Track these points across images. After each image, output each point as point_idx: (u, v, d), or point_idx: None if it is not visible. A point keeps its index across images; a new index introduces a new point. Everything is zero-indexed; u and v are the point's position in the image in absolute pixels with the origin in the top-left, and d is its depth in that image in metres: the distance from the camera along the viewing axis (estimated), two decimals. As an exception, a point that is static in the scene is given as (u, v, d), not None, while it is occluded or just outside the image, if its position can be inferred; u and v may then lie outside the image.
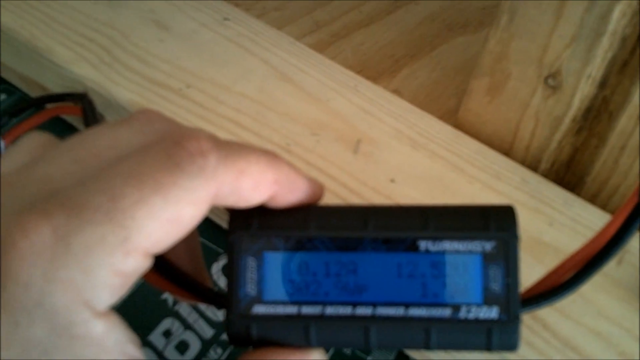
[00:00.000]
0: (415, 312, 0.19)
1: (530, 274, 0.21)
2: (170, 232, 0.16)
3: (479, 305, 0.19)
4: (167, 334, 0.28)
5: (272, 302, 0.20)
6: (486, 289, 0.19)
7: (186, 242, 0.21)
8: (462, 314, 0.19)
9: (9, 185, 0.16)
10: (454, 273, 0.19)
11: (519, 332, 0.19)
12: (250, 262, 0.20)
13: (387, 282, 0.20)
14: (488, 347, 0.19)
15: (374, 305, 0.19)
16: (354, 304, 0.19)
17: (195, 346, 0.28)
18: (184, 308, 0.29)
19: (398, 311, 0.19)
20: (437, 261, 0.19)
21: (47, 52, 0.33)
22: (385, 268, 0.20)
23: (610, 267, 0.27)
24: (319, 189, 0.21)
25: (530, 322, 0.24)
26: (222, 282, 0.30)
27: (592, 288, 0.26)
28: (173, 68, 0.33)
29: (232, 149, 0.18)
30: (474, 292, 0.19)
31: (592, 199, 0.30)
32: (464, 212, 0.20)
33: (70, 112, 0.31)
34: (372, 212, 0.20)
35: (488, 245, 0.19)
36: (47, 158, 0.17)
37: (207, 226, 0.33)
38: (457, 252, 0.19)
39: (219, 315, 0.29)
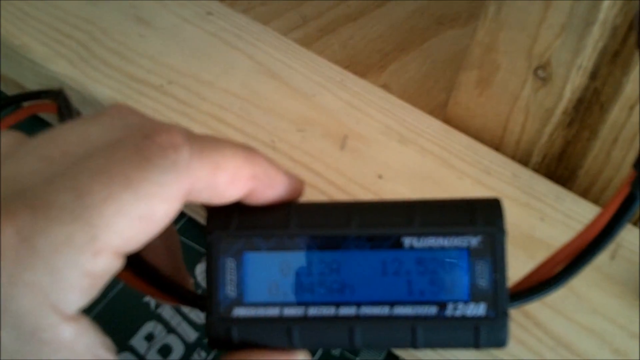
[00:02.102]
0: (401, 310, 0.19)
1: (521, 270, 0.20)
2: (142, 230, 0.16)
3: (465, 302, 0.18)
4: (149, 337, 0.27)
5: (253, 304, 0.19)
6: (473, 285, 0.18)
7: (164, 241, 0.20)
8: (449, 311, 0.18)
9: None
10: (440, 270, 0.19)
11: (508, 328, 0.18)
12: (230, 263, 0.19)
13: (371, 280, 0.19)
14: (476, 345, 0.18)
15: (358, 304, 0.19)
16: (338, 304, 0.19)
17: (178, 350, 0.27)
18: (167, 311, 0.28)
19: (383, 310, 0.19)
20: (423, 258, 0.19)
21: (23, 49, 0.32)
22: (369, 266, 0.19)
23: (604, 262, 0.26)
24: (299, 184, 0.20)
25: (522, 319, 0.24)
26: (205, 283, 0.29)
27: (585, 284, 0.25)
28: (154, 64, 0.32)
29: (206, 142, 0.17)
30: (461, 289, 0.18)
31: (584, 193, 0.30)
32: (449, 206, 0.19)
33: (47, 109, 0.30)
34: (355, 208, 0.19)
35: (474, 241, 0.18)
36: (15, 156, 0.16)
37: (190, 226, 0.32)
38: (443, 248, 0.18)
39: (202, 317, 0.28)
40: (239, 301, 0.19)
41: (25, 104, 0.31)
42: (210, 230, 0.19)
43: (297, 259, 0.19)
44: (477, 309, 0.18)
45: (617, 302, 0.25)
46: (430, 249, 0.19)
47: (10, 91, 0.37)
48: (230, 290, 0.19)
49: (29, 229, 0.14)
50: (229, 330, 0.19)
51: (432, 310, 0.18)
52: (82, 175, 0.15)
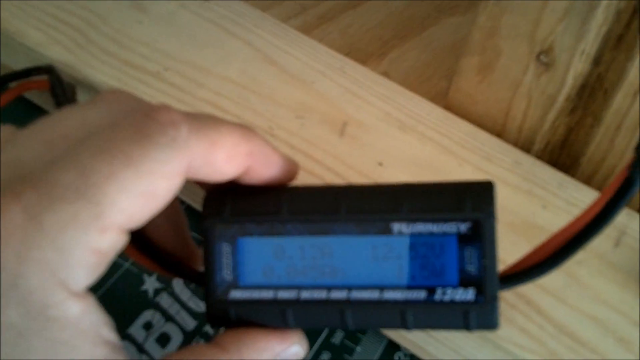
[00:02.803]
0: (390, 295, 0.19)
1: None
2: (145, 206, 0.16)
3: (454, 287, 0.18)
4: (147, 326, 0.27)
5: (249, 287, 0.19)
6: (462, 271, 0.18)
7: (169, 217, 0.20)
8: (438, 296, 0.18)
9: None
10: (429, 255, 0.19)
11: (497, 312, 0.18)
12: (225, 248, 0.20)
13: (361, 265, 0.19)
14: (466, 327, 0.19)
15: (349, 288, 0.19)
16: (329, 288, 0.19)
17: (177, 338, 0.27)
18: (165, 299, 0.28)
19: (373, 294, 0.19)
20: (411, 243, 0.19)
21: (18, 35, 0.32)
22: (359, 251, 0.19)
23: (607, 249, 0.26)
24: (293, 166, 0.20)
25: (523, 307, 0.23)
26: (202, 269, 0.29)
27: (588, 272, 0.25)
28: (151, 50, 0.31)
29: (204, 120, 0.17)
30: (450, 274, 0.18)
31: (587, 180, 0.29)
32: (439, 191, 0.19)
33: (38, 86, 0.30)
34: (344, 193, 0.19)
35: (463, 227, 0.18)
36: (16, 142, 0.17)
37: (189, 214, 0.31)
38: (432, 234, 0.18)
39: (201, 306, 0.28)
40: (235, 284, 0.20)
41: (12, 84, 0.31)
42: (205, 216, 0.20)
43: (288, 243, 0.19)
44: (466, 294, 0.18)
45: (621, 290, 0.24)
46: (419, 234, 0.19)
47: (5, 79, 0.36)
48: (226, 273, 0.20)
49: (35, 207, 0.15)
50: (226, 312, 0.19)
51: (421, 294, 0.19)
52: (84, 154, 0.15)
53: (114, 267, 0.29)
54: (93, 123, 0.17)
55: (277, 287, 0.19)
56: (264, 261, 0.20)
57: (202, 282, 0.20)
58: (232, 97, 0.30)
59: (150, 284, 0.28)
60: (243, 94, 0.30)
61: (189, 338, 0.27)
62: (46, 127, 0.17)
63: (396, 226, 0.19)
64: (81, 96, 0.30)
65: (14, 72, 0.30)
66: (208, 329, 0.27)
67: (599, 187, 0.28)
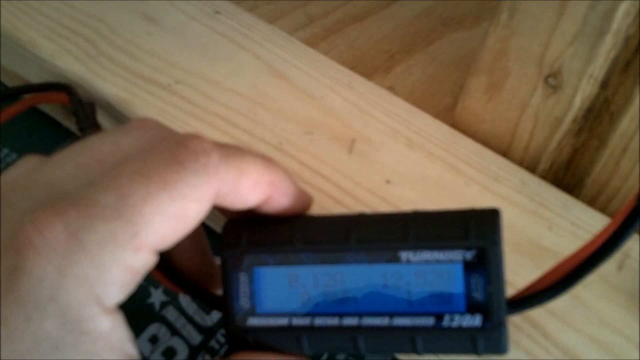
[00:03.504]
0: (400, 321, 0.19)
1: (528, 279, 0.20)
2: (176, 228, 0.17)
3: (462, 313, 0.19)
4: (153, 339, 0.27)
5: (265, 315, 0.20)
6: (469, 297, 0.19)
7: (192, 237, 0.21)
8: (446, 322, 0.19)
9: (17, 188, 0.17)
10: (436, 282, 0.19)
11: (505, 338, 0.19)
12: (242, 277, 0.20)
13: (371, 292, 0.20)
14: (475, 352, 0.19)
15: (360, 315, 0.20)
16: (341, 315, 0.20)
17: (182, 353, 0.27)
18: (172, 313, 0.28)
19: (383, 321, 0.19)
20: (419, 271, 0.19)
21: (30, 44, 0.32)
22: (369, 279, 0.20)
23: (611, 272, 0.26)
24: (308, 198, 0.21)
25: (530, 330, 0.24)
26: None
27: (593, 295, 0.25)
28: (162, 63, 0.32)
29: (231, 149, 0.18)
30: (457, 301, 0.19)
31: (592, 202, 0.29)
32: (444, 219, 0.19)
33: (56, 100, 0.30)
34: (354, 223, 0.20)
35: (468, 254, 0.19)
36: (51, 163, 0.18)
37: (208, 235, 0.32)
38: (438, 261, 0.19)
39: (207, 320, 0.28)
40: (252, 311, 0.21)
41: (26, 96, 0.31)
42: (223, 246, 0.21)
43: (302, 272, 0.20)
44: (473, 320, 0.19)
45: (624, 313, 0.25)
46: (427, 262, 0.19)
47: (13, 85, 0.36)
48: (244, 301, 0.21)
49: (76, 225, 0.15)
50: (245, 337, 0.20)
51: (429, 321, 0.19)
52: (121, 177, 0.16)
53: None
54: (126, 149, 0.18)
55: (292, 314, 0.20)
56: (280, 289, 0.20)
57: (221, 308, 0.21)
58: (242, 112, 0.30)
59: (157, 296, 0.29)
60: (253, 108, 0.30)
61: (194, 353, 0.27)
62: (80, 151, 0.18)
63: (404, 254, 0.19)
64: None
65: (31, 85, 0.31)
66: (214, 343, 0.27)
67: (603, 209, 0.29)
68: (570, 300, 0.25)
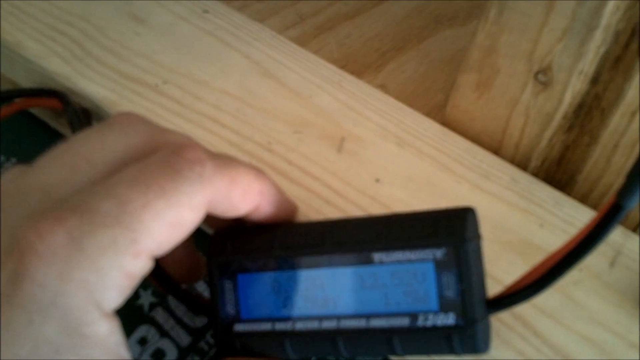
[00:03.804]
0: (376, 322, 0.19)
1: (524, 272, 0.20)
2: (173, 235, 0.17)
3: (435, 312, 0.19)
4: (142, 341, 0.27)
5: (250, 320, 0.21)
6: (441, 296, 0.19)
7: (184, 246, 0.22)
8: (420, 322, 0.19)
9: (9, 194, 0.17)
10: (410, 282, 0.19)
11: (480, 336, 0.19)
12: (227, 284, 0.21)
13: (348, 295, 0.20)
14: (452, 352, 0.19)
15: (338, 318, 0.20)
16: (320, 318, 0.20)
17: (171, 354, 0.27)
18: (161, 314, 0.28)
19: (360, 323, 0.20)
20: (392, 271, 0.19)
21: (16, 46, 0.32)
22: (345, 282, 0.20)
23: (603, 270, 0.26)
24: (294, 206, 0.22)
25: (520, 329, 0.23)
26: (199, 286, 0.29)
27: (584, 293, 0.25)
28: (149, 63, 0.31)
29: (224, 159, 0.19)
30: (430, 300, 0.19)
31: (584, 198, 0.29)
32: (416, 219, 0.20)
33: (47, 104, 0.30)
34: (329, 228, 0.21)
35: (439, 253, 0.19)
36: (40, 167, 0.18)
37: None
38: (410, 261, 0.19)
39: (196, 322, 0.28)
40: (238, 318, 0.21)
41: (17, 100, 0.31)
42: (210, 256, 0.22)
43: (282, 278, 0.21)
44: (447, 319, 0.19)
45: (617, 310, 0.24)
46: (400, 262, 0.19)
47: (3, 87, 0.36)
48: (229, 308, 0.21)
49: (78, 232, 0.16)
50: (233, 343, 0.21)
51: (405, 321, 0.19)
52: (120, 185, 0.17)
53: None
54: (111, 146, 0.18)
55: (274, 319, 0.20)
56: (263, 295, 0.21)
57: (209, 314, 0.22)
58: (231, 111, 0.30)
59: (146, 298, 0.28)
60: (241, 107, 0.30)
61: (183, 354, 0.27)
62: (66, 152, 0.18)
63: (377, 255, 0.19)
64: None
65: (24, 90, 0.31)
66: (203, 345, 0.27)
67: (595, 206, 0.28)
68: (561, 298, 0.25)
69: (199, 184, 0.17)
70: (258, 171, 0.20)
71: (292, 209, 0.22)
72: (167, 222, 0.17)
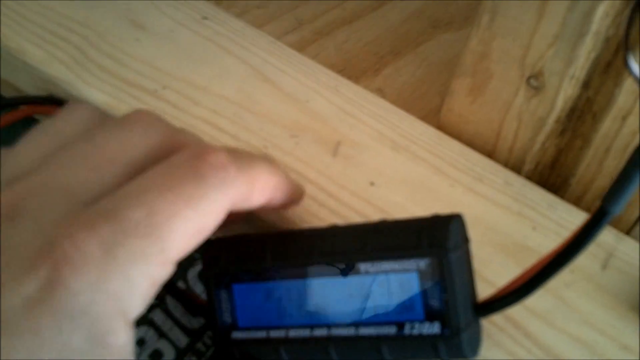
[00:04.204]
0: (365, 331, 0.20)
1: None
2: (195, 241, 0.17)
3: (421, 321, 0.19)
4: (140, 342, 0.27)
5: (246, 329, 0.22)
6: (426, 305, 0.19)
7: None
8: (407, 330, 0.19)
9: (35, 193, 0.17)
10: (396, 291, 0.20)
11: (465, 344, 0.19)
12: (224, 294, 0.22)
13: (337, 303, 0.20)
14: (440, 358, 0.20)
15: (329, 326, 0.20)
16: (312, 327, 0.21)
17: (169, 355, 0.27)
18: (158, 316, 0.28)
19: (350, 331, 0.20)
20: (379, 281, 0.20)
21: (19, 52, 0.32)
22: (334, 291, 0.20)
23: (595, 272, 0.26)
24: (301, 190, 0.23)
25: (512, 330, 0.24)
26: (198, 287, 0.29)
27: (576, 294, 0.25)
28: (149, 68, 0.32)
29: (244, 159, 0.19)
30: (416, 309, 0.19)
31: (577, 201, 0.30)
32: (400, 229, 0.20)
33: (49, 112, 0.31)
34: (317, 237, 0.21)
35: (422, 263, 0.19)
36: (60, 164, 0.18)
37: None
38: (395, 271, 0.20)
39: (194, 323, 0.28)
40: (235, 326, 0.22)
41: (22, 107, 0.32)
42: (205, 267, 0.22)
43: (274, 287, 0.21)
44: (432, 328, 0.19)
45: (609, 312, 0.25)
46: (385, 272, 0.20)
47: (5, 92, 0.37)
48: (227, 317, 0.22)
49: (110, 241, 0.16)
50: (231, 351, 0.22)
51: (392, 330, 0.20)
52: (149, 192, 0.17)
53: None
54: (132, 147, 0.18)
55: (269, 328, 0.21)
56: (257, 304, 0.21)
57: (206, 316, 0.23)
58: (228, 116, 0.30)
59: (145, 300, 0.29)
60: (239, 112, 0.30)
61: (181, 355, 0.27)
62: (89, 149, 0.18)
63: (362, 266, 0.20)
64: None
65: (29, 97, 0.32)
66: (200, 346, 0.27)
67: (588, 208, 0.29)
68: (553, 300, 0.25)
69: (224, 190, 0.18)
70: (272, 164, 0.20)
71: (300, 194, 0.23)
72: (193, 230, 0.17)
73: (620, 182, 0.17)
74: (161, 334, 0.28)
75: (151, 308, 0.29)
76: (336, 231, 0.22)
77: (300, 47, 0.41)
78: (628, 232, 0.28)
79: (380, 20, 0.43)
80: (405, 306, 0.20)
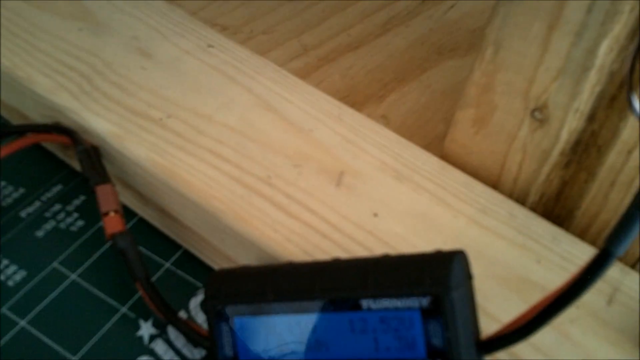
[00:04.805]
0: None
1: (515, 314, 0.20)
2: None
3: None
4: (142, 374, 0.27)
5: None
6: (428, 344, 0.19)
7: None
8: None
9: None
10: (398, 328, 0.19)
11: None
12: (224, 327, 0.22)
13: (340, 339, 0.20)
14: None
15: None
16: None
17: (170, 387, 0.27)
18: (160, 346, 0.28)
19: None
20: (380, 318, 0.20)
21: (27, 81, 0.32)
22: (336, 327, 0.20)
23: (600, 307, 0.26)
24: None
25: (514, 367, 0.24)
26: (200, 317, 0.29)
27: (580, 330, 0.25)
28: (154, 97, 0.32)
29: None
30: (418, 348, 0.19)
31: (582, 234, 0.29)
32: (402, 265, 0.20)
33: (59, 141, 0.31)
34: (319, 272, 0.21)
35: (424, 301, 0.19)
36: None
37: (185, 259, 0.32)
38: (397, 308, 0.19)
39: (195, 353, 0.28)
40: (236, 359, 0.22)
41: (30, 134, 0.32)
42: (207, 298, 0.23)
43: (276, 321, 0.21)
44: None
45: (614, 349, 0.24)
46: (387, 309, 0.20)
47: (12, 119, 0.37)
48: (227, 350, 0.22)
49: None
50: None
51: None
52: None
53: (110, 311, 0.29)
54: None
55: None
56: (258, 337, 0.21)
57: (207, 347, 0.24)
58: (232, 145, 0.30)
59: (146, 329, 0.29)
60: (242, 141, 0.30)
61: (182, 387, 0.27)
62: None
63: (365, 302, 0.20)
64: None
65: (35, 125, 0.32)
66: (202, 378, 0.27)
67: (593, 242, 0.28)
68: (557, 336, 0.25)
69: None
70: None
71: None
72: None
73: (624, 223, 0.17)
74: (162, 365, 0.28)
75: (153, 338, 0.28)
76: (338, 266, 0.22)
77: (305, 73, 0.41)
78: (634, 266, 0.28)
79: (384, 47, 0.43)
80: (408, 343, 0.19)
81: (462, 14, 0.46)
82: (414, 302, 0.19)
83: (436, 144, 0.35)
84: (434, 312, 0.19)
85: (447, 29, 0.45)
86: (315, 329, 0.21)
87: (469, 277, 0.21)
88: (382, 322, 0.20)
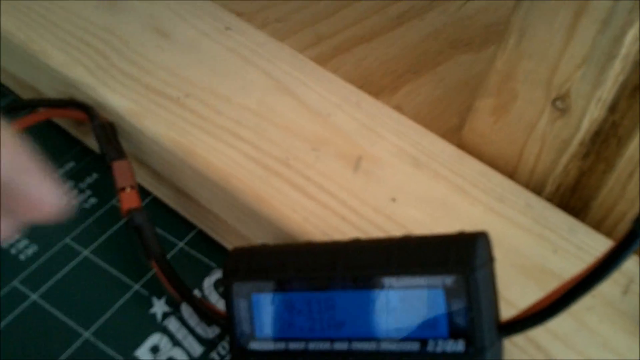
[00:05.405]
0: (387, 346, 0.20)
1: (532, 302, 0.20)
2: None
3: (445, 339, 0.19)
4: (154, 349, 0.27)
5: (264, 339, 0.22)
6: (451, 323, 0.19)
7: None
8: (430, 347, 0.19)
9: None
10: (420, 308, 0.19)
11: None
12: (243, 304, 0.22)
13: (360, 318, 0.20)
14: None
15: (350, 340, 0.20)
16: (332, 340, 0.20)
17: (183, 365, 0.27)
18: (173, 324, 0.28)
19: (371, 346, 0.20)
20: (403, 296, 0.20)
21: (42, 55, 0.32)
22: (357, 305, 0.20)
23: (616, 297, 0.26)
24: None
25: (533, 352, 0.23)
26: (213, 297, 0.29)
27: (597, 319, 0.25)
28: (172, 76, 0.32)
29: None
30: (440, 326, 0.19)
31: (598, 225, 0.29)
32: (427, 244, 0.20)
33: (75, 117, 0.31)
34: (342, 250, 0.21)
35: (448, 280, 0.19)
36: None
37: (198, 239, 0.32)
38: (420, 287, 0.19)
39: (209, 332, 0.28)
40: (253, 336, 0.22)
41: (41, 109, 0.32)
42: (225, 275, 0.23)
43: (296, 298, 0.21)
44: (456, 346, 0.19)
45: (629, 337, 0.24)
46: (409, 288, 0.20)
47: (25, 96, 0.37)
48: (245, 326, 0.22)
49: None
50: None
51: (414, 346, 0.20)
52: None
53: (123, 288, 0.29)
54: None
55: (288, 339, 0.21)
56: (277, 315, 0.21)
57: (222, 326, 0.24)
58: (251, 126, 0.30)
59: (159, 307, 0.28)
60: (261, 123, 0.30)
61: (195, 365, 0.27)
62: None
63: (387, 280, 0.20)
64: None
65: (50, 100, 0.32)
66: (215, 356, 0.27)
67: (609, 233, 0.29)
68: (574, 324, 0.25)
69: None
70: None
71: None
72: None
73: None
74: (175, 342, 0.27)
75: (166, 316, 0.28)
76: (360, 245, 0.21)
77: (319, 62, 0.41)
78: (649, 259, 0.28)
79: (398, 39, 0.43)
80: (429, 323, 0.19)
81: (476, 9, 0.46)
82: (437, 281, 0.19)
83: (449, 137, 0.35)
84: (458, 292, 0.19)
85: (461, 23, 0.45)
86: (335, 307, 0.21)
87: (491, 259, 0.21)
88: (404, 301, 0.20)
